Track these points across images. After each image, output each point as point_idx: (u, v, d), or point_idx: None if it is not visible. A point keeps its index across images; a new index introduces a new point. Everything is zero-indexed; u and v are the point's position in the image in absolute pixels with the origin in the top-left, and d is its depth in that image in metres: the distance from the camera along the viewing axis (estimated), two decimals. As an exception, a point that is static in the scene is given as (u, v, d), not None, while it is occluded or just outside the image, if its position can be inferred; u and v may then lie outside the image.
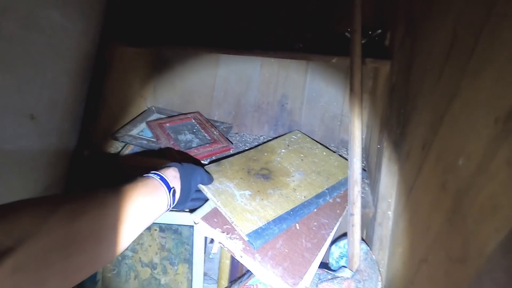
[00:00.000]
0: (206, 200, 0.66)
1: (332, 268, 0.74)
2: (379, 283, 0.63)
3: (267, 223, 0.59)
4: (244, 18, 1.00)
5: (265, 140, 0.94)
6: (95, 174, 0.81)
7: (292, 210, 0.63)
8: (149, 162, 0.81)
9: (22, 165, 0.69)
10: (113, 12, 0.86)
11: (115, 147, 0.88)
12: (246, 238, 0.57)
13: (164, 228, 0.75)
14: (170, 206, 0.55)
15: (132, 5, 0.92)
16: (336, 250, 0.75)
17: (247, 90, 1.02)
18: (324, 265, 0.76)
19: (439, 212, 0.46)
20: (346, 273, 0.65)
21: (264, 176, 0.72)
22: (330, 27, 0.95)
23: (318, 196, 0.67)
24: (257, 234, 0.56)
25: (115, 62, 0.87)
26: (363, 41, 0.87)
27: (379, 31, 0.86)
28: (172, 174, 0.57)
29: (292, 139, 0.89)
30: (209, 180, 0.66)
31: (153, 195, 0.51)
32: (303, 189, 0.69)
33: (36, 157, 0.73)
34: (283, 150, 0.83)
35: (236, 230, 0.60)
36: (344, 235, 0.74)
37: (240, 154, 0.79)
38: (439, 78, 0.53)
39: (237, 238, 0.59)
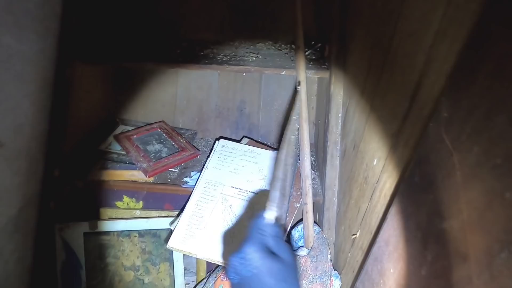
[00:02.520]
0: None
1: (293, 249, 0.89)
2: (328, 256, 0.79)
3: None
4: (203, 30, 1.07)
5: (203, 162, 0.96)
6: (68, 193, 0.86)
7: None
8: (121, 175, 0.87)
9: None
10: (70, 31, 0.88)
11: (85, 163, 0.92)
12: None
13: (143, 233, 0.83)
14: None
15: (89, 23, 0.94)
16: (295, 233, 0.90)
17: (208, 97, 1.10)
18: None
19: (364, 199, 0.61)
20: (303, 251, 0.80)
21: None
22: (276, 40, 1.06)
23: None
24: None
25: (76, 79, 0.89)
26: (307, 52, 1.00)
27: (320, 44, 1.00)
28: None
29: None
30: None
31: None
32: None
33: (6, 182, 0.76)
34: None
35: None
36: (301, 220, 0.89)
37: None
38: (362, 93, 0.68)
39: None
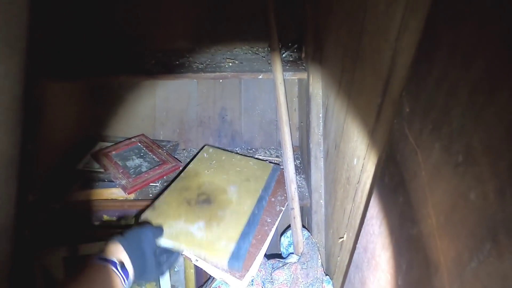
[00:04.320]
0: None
1: (283, 256, 0.86)
2: (319, 261, 0.76)
3: (237, 243, 0.63)
4: (178, 38, 1.05)
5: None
6: (44, 217, 0.82)
7: (248, 221, 0.70)
8: (99, 196, 0.83)
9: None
10: (38, 49, 0.84)
11: (62, 184, 0.88)
12: (226, 266, 0.60)
13: (126, 253, 0.80)
14: (126, 282, 0.51)
15: (59, 39, 0.91)
16: (284, 240, 0.87)
17: (188, 107, 1.08)
18: (277, 255, 0.88)
19: (348, 200, 0.59)
20: (293, 258, 0.78)
21: (205, 202, 0.74)
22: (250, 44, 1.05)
23: (259, 200, 0.77)
24: (235, 257, 0.61)
25: (47, 98, 0.86)
26: (283, 54, 0.99)
27: (296, 45, 0.98)
28: (112, 250, 0.53)
29: (207, 156, 0.90)
30: (160, 230, 0.62)
31: (98, 282, 0.48)
32: (245, 199, 0.76)
33: (-25, 211, 0.71)
34: (206, 171, 0.84)
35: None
36: (290, 226, 0.87)
37: (168, 190, 0.77)
38: (338, 92, 0.66)
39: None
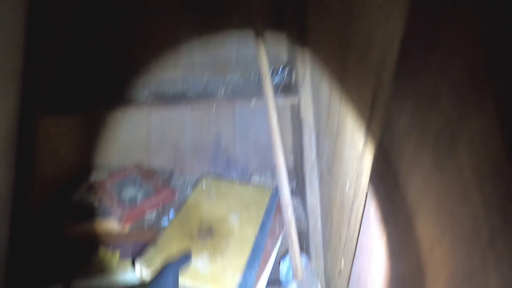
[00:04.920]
0: None
1: (282, 283, 0.84)
2: (319, 288, 0.74)
3: (243, 273, 0.63)
4: (171, 67, 1.08)
5: (181, 201, 0.93)
6: (37, 253, 0.80)
7: (252, 250, 0.69)
8: (94, 229, 0.82)
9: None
10: (33, 85, 0.86)
11: (56, 218, 0.87)
12: None
13: None
14: None
15: (53, 73, 0.93)
16: (283, 266, 0.86)
17: (182, 134, 1.09)
18: (277, 282, 0.86)
19: (343, 226, 0.59)
20: (293, 285, 0.76)
21: (208, 234, 0.73)
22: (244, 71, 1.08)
23: (262, 227, 0.77)
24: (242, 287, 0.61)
25: (41, 132, 0.87)
26: (275, 79, 1.02)
27: (287, 70, 1.01)
28: None
29: (206, 187, 0.90)
30: (187, 259, 0.64)
31: None
32: (247, 227, 0.76)
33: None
34: (206, 202, 0.84)
35: None
36: (288, 251, 0.85)
37: (170, 225, 0.77)
38: (328, 117, 0.68)
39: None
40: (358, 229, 0.44)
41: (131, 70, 1.06)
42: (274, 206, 0.85)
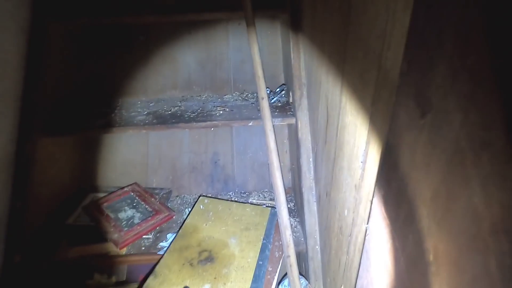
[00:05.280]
0: None
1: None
2: (319, 313, 0.73)
3: None
4: (169, 88, 1.09)
5: (179, 223, 0.91)
6: (31, 278, 0.78)
7: (254, 276, 0.68)
8: (90, 252, 0.81)
9: None
10: (30, 103, 0.86)
11: (50, 241, 0.86)
12: None
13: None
14: None
15: (51, 95, 0.93)
16: (282, 289, 0.85)
17: (180, 153, 1.09)
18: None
19: (342, 251, 0.59)
20: (292, 310, 0.75)
21: (208, 260, 0.71)
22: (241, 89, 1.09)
23: (262, 250, 0.76)
24: None
25: (38, 153, 0.87)
26: (272, 99, 1.03)
27: (284, 91, 1.03)
28: None
29: (203, 208, 0.88)
30: None
31: None
32: (248, 251, 0.75)
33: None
34: (204, 225, 0.82)
35: None
36: (286, 274, 0.84)
37: (168, 251, 0.74)
38: (324, 141, 0.69)
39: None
40: (358, 256, 0.44)
41: (131, 90, 1.07)
42: (273, 227, 0.85)
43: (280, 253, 0.79)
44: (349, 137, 0.50)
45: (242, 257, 0.73)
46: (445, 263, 0.18)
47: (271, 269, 0.74)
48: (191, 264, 0.70)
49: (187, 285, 0.65)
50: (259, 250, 0.75)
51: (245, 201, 1.03)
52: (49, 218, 0.89)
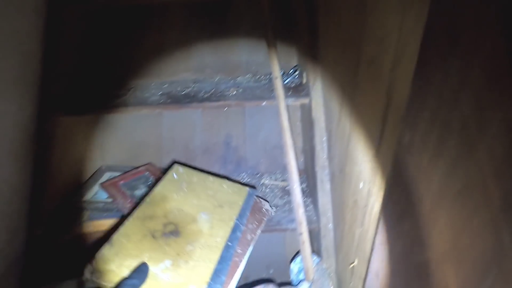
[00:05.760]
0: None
1: (294, 284, 0.84)
2: (331, 288, 0.74)
3: (208, 285, 0.55)
4: (181, 70, 1.10)
5: (147, 188, 0.85)
6: (53, 250, 0.82)
7: (220, 257, 0.60)
8: (107, 224, 0.84)
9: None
10: (49, 84, 0.89)
11: (71, 216, 0.89)
12: None
13: (134, 285, 0.79)
14: None
15: (67, 76, 0.96)
16: (294, 266, 0.86)
17: (193, 135, 1.10)
18: (288, 283, 0.86)
19: (357, 224, 0.59)
20: (304, 285, 0.76)
21: (173, 233, 0.63)
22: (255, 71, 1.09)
23: (234, 231, 0.68)
24: None
25: (57, 132, 0.89)
26: (285, 80, 1.02)
27: (297, 72, 1.02)
28: None
29: (177, 178, 0.78)
30: (143, 275, 0.55)
31: None
32: (218, 229, 0.67)
33: (-14, 246, 0.72)
34: (175, 195, 0.73)
35: None
36: (299, 252, 0.85)
37: (129, 219, 0.66)
38: (340, 117, 0.68)
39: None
40: (374, 225, 0.44)
41: (145, 72, 1.08)
42: (248, 208, 0.76)
43: (253, 235, 0.73)
44: (367, 105, 0.50)
45: (210, 235, 0.65)
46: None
47: (240, 251, 0.66)
48: (153, 236, 0.62)
49: (145, 261, 0.58)
50: (230, 230, 0.67)
51: (257, 183, 1.04)
52: (68, 195, 0.92)
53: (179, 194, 0.74)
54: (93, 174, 1.01)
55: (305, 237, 0.80)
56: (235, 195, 0.78)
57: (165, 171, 0.90)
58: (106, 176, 1.00)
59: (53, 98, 0.88)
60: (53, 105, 0.88)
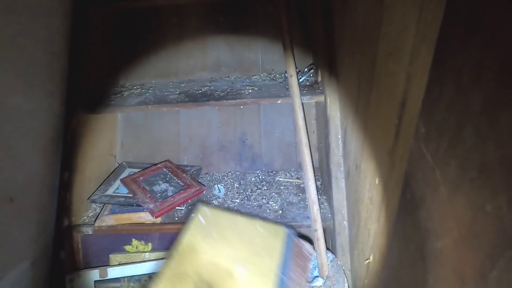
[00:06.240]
0: None
1: (308, 280, 0.85)
2: (346, 285, 0.74)
3: None
4: (198, 70, 1.13)
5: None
6: (77, 241, 0.86)
7: None
8: (129, 218, 0.87)
9: (1, 251, 0.72)
10: (75, 83, 0.93)
11: (93, 209, 0.93)
12: None
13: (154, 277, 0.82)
14: None
15: (91, 73, 1.00)
16: (309, 263, 0.86)
17: (210, 133, 1.13)
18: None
19: (372, 220, 0.59)
20: (319, 282, 0.76)
21: None
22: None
23: (277, 285, 0.58)
24: None
25: (80, 129, 0.94)
26: (300, 79, 1.03)
27: (312, 70, 1.03)
28: None
29: (205, 222, 0.69)
30: None
31: None
32: (259, 284, 0.58)
33: (17, 236, 0.77)
34: (205, 246, 0.63)
35: None
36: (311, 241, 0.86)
37: (159, 282, 0.56)
38: (356, 113, 0.68)
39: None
40: (390, 219, 0.45)
41: (163, 72, 1.12)
42: (289, 255, 0.65)
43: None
44: (383, 102, 0.50)
45: None
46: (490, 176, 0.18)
47: None
48: None
49: None
50: (272, 285, 0.57)
51: (271, 180, 1.05)
52: (91, 189, 0.97)
53: (210, 243, 0.64)
54: (114, 170, 1.05)
55: (319, 233, 0.80)
56: (271, 239, 0.67)
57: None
58: (126, 172, 1.04)
59: (77, 96, 0.93)
60: (78, 102, 0.92)
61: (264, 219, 0.77)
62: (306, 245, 0.73)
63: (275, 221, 0.83)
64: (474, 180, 0.20)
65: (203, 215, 0.71)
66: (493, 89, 0.19)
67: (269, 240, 0.66)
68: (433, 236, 0.26)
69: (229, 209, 0.77)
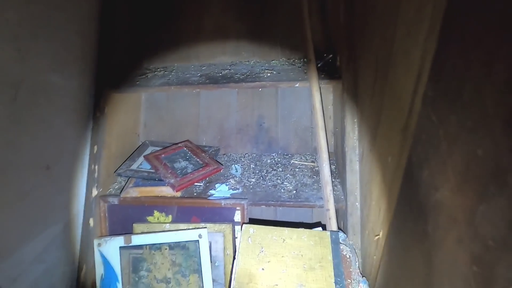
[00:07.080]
0: None
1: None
2: (356, 263, 0.77)
3: None
4: (219, 54, 1.16)
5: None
6: (105, 210, 0.93)
7: None
8: (151, 192, 0.93)
9: (38, 212, 0.80)
10: (103, 64, 0.99)
11: (119, 182, 1.00)
12: None
13: (173, 246, 0.88)
14: None
15: (117, 55, 1.06)
16: (320, 241, 0.89)
17: (228, 115, 1.16)
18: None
19: (384, 199, 0.61)
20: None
21: None
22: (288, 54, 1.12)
23: None
24: None
25: (108, 107, 1.00)
26: (319, 64, 1.04)
27: (331, 55, 1.03)
28: None
29: (251, 242, 0.68)
30: None
31: None
32: None
33: (52, 201, 0.85)
34: (260, 268, 0.63)
35: None
36: (323, 227, 0.89)
37: None
38: (372, 95, 0.70)
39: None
40: (398, 191, 0.47)
41: (185, 55, 1.16)
42: (340, 262, 0.65)
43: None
44: (399, 80, 0.51)
45: None
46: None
47: None
48: None
49: None
50: None
51: (287, 163, 1.08)
52: (116, 163, 1.03)
53: (264, 265, 0.63)
54: (138, 147, 1.12)
55: (331, 213, 0.83)
56: (318, 247, 0.67)
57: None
58: (149, 150, 1.10)
59: (106, 76, 0.99)
60: (106, 82, 0.98)
61: (305, 226, 0.78)
62: (344, 249, 0.74)
63: (314, 224, 0.84)
64: (470, 130, 0.22)
65: (249, 235, 0.72)
66: (491, 49, 0.21)
67: (317, 250, 0.66)
68: (432, 190, 0.28)
69: (270, 223, 0.77)
